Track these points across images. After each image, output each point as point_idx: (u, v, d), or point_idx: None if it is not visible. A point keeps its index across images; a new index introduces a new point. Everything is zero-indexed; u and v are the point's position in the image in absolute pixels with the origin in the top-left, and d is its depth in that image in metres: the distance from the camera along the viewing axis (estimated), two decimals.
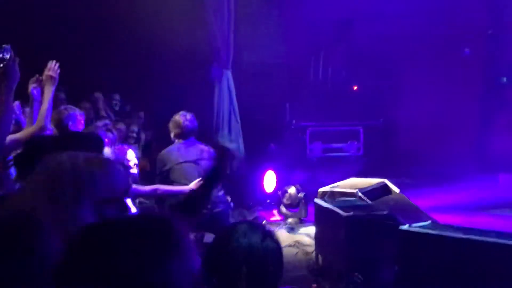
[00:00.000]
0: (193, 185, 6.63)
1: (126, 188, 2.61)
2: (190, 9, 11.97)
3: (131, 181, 6.17)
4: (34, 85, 5.67)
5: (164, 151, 7.12)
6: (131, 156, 6.64)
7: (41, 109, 5.46)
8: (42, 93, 5.61)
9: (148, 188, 6.67)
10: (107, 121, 7.35)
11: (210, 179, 3.75)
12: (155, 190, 6.60)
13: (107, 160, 2.59)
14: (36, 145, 4.12)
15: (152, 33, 11.73)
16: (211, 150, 6.91)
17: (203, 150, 7.00)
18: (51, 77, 5.54)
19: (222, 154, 3.75)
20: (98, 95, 10.49)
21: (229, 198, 7.75)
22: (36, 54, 5.90)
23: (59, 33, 11.34)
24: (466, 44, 13.21)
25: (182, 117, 7.00)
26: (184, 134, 6.98)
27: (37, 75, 5.66)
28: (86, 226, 1.45)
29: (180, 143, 7.03)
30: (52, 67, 5.56)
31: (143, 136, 10.79)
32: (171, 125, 7.08)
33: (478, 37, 13.11)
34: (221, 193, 7.28)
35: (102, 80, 11.03)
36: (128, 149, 7.10)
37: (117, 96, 11.12)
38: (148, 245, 1.36)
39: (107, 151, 6.58)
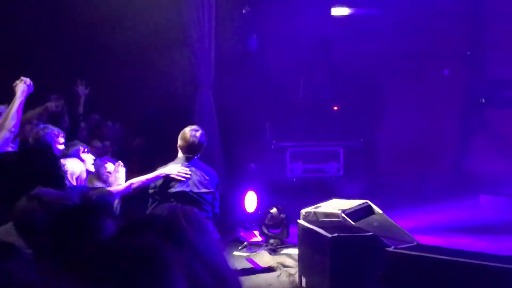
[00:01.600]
0: (169, 168, 6.46)
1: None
2: (171, 29, 11.96)
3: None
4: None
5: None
6: (110, 168, 6.60)
7: (8, 113, 5.38)
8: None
9: (122, 187, 6.52)
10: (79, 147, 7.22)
11: None
12: (130, 185, 6.45)
13: None
14: (7, 165, 4.06)
15: (133, 53, 11.71)
16: (214, 174, 6.75)
17: (204, 175, 6.67)
18: (26, 85, 5.51)
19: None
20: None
21: None
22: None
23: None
24: (446, 64, 13.32)
25: (191, 131, 6.65)
26: (188, 149, 6.63)
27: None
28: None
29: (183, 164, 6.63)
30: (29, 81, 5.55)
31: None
32: (179, 136, 6.72)
33: (458, 57, 13.21)
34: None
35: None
36: (107, 162, 7.05)
37: (95, 116, 11.01)
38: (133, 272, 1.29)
39: (88, 166, 6.55)
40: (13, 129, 5.38)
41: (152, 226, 1.90)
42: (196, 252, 1.88)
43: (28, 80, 5.59)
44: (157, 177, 6.46)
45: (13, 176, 3.89)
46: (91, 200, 4.57)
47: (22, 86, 5.51)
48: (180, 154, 6.62)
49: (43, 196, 2.94)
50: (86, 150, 6.75)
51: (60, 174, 4.15)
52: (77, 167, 6.14)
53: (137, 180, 6.51)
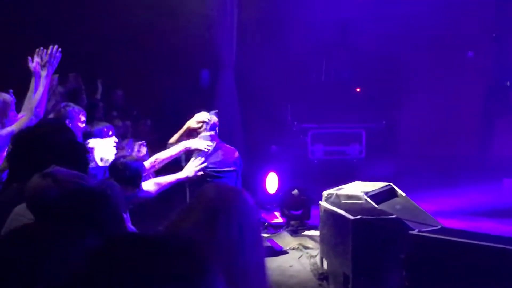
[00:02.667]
0: (190, 141, 6.48)
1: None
2: (192, 9, 11.90)
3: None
4: (38, 60, 5.42)
5: None
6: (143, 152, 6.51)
7: (35, 97, 5.28)
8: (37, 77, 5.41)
9: (148, 164, 6.43)
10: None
11: None
12: (155, 161, 6.40)
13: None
14: (24, 140, 3.99)
15: (154, 35, 11.68)
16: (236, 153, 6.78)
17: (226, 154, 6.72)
18: (49, 62, 5.35)
19: None
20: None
21: None
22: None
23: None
24: (470, 46, 13.15)
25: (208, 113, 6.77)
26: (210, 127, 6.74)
27: (41, 49, 5.43)
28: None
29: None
30: (52, 52, 5.37)
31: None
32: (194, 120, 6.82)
33: (482, 39, 13.04)
34: None
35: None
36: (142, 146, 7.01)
37: (119, 92, 11.00)
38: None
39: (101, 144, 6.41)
40: (40, 115, 5.31)
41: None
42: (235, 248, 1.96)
43: (55, 51, 5.41)
44: (182, 151, 6.45)
45: (31, 153, 3.81)
46: (108, 186, 4.55)
47: (48, 67, 5.38)
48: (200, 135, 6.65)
49: (58, 174, 2.84)
50: (111, 132, 6.68)
51: (81, 153, 4.04)
52: (102, 147, 6.07)
53: (162, 155, 6.44)
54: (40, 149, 3.75)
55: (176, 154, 6.45)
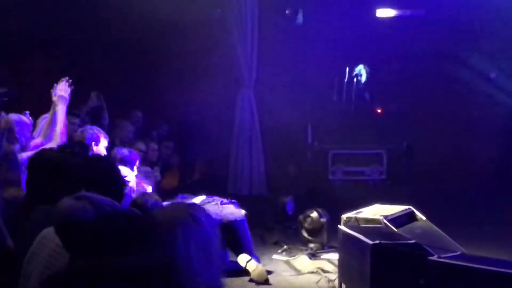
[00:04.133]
0: None
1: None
2: (213, 28, 11.97)
3: None
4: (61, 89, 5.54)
5: None
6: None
7: (56, 129, 5.39)
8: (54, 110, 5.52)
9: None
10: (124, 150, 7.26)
11: None
12: None
13: None
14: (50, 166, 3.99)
15: (175, 53, 11.74)
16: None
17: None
18: (62, 97, 5.46)
19: None
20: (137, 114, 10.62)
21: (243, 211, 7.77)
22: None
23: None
24: (492, 67, 13.06)
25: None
26: None
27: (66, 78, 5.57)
28: None
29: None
30: (63, 87, 5.48)
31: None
32: None
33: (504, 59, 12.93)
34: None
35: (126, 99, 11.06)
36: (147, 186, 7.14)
37: (139, 113, 11.02)
38: None
39: (131, 174, 6.45)
40: (64, 141, 5.44)
41: None
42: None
43: (66, 84, 5.53)
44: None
45: (59, 178, 3.79)
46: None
47: (62, 100, 5.47)
48: None
49: (92, 197, 2.77)
50: (138, 162, 6.76)
51: (119, 186, 3.98)
52: (129, 174, 6.07)
53: None
54: (70, 174, 3.73)
55: None
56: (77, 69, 8.53)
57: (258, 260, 7.72)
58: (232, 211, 7.63)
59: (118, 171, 4.09)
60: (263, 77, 12.37)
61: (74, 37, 11.27)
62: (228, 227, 7.32)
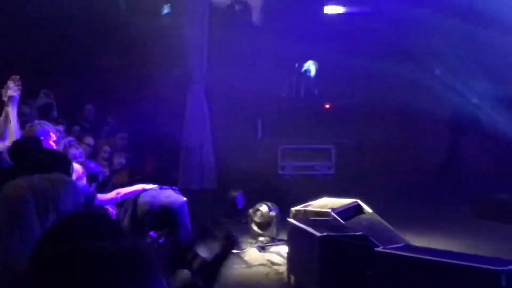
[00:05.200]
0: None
1: (85, 202, 2.76)
2: (164, 25, 11.98)
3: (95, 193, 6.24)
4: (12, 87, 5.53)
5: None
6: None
7: (10, 127, 5.39)
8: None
9: (109, 196, 6.73)
10: (70, 138, 7.29)
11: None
12: (117, 194, 6.67)
13: (60, 178, 2.74)
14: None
15: (124, 50, 11.73)
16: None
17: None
18: (12, 97, 5.46)
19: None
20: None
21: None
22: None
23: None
24: (438, 63, 13.34)
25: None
26: None
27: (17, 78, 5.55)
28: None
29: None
30: (12, 86, 5.48)
31: (117, 160, 10.65)
32: None
33: (449, 57, 13.22)
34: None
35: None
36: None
37: (90, 106, 10.97)
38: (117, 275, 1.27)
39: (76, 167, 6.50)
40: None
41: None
42: None
43: (16, 84, 5.52)
44: (141, 190, 6.75)
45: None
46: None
47: (12, 101, 5.47)
48: None
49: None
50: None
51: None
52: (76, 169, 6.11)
53: (124, 191, 6.75)
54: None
55: (135, 192, 6.77)
56: (25, 66, 8.47)
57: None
58: (171, 194, 7.68)
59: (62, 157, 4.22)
60: (213, 72, 12.41)
61: (22, 33, 11.17)
62: (166, 210, 7.33)
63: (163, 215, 6.89)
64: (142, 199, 6.82)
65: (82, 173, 6.18)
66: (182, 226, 7.53)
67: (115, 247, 1.28)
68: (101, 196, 6.51)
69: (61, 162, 4.10)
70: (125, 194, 6.75)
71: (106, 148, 10.11)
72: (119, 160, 10.02)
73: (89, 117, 10.67)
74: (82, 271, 1.23)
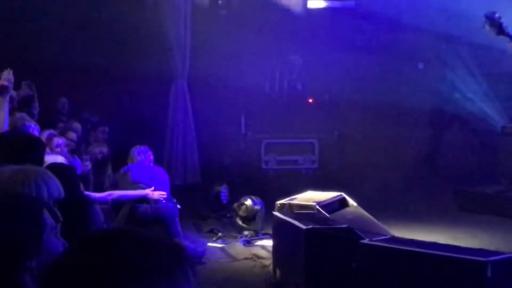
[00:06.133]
0: (148, 190, 6.84)
1: (58, 195, 2.71)
2: (147, 21, 11.92)
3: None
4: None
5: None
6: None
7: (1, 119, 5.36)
8: None
9: (101, 194, 6.73)
10: (51, 131, 7.28)
11: None
12: (109, 195, 6.67)
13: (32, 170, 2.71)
14: None
15: (108, 45, 11.69)
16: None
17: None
18: (4, 86, 5.41)
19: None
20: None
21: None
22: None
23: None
24: (421, 58, 13.40)
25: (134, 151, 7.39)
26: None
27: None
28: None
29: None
30: (6, 77, 5.44)
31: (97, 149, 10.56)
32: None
33: (433, 52, 13.28)
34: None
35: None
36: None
37: (63, 99, 10.89)
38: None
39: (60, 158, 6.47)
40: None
41: None
42: None
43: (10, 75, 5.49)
44: (140, 196, 6.73)
45: None
46: None
47: (4, 91, 5.43)
48: None
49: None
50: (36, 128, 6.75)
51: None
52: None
53: (118, 194, 6.73)
54: None
55: (132, 196, 6.76)
56: (6, 58, 8.41)
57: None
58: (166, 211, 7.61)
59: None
60: (196, 67, 12.39)
61: (2, 26, 11.10)
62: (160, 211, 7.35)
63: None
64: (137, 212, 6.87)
65: None
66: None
67: (160, 236, 1.28)
68: (90, 193, 6.48)
69: (34, 147, 4.15)
70: (120, 196, 6.75)
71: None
72: (100, 149, 9.91)
73: (63, 109, 10.58)
74: (128, 253, 1.23)
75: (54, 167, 4.29)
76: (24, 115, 6.60)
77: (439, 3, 12.87)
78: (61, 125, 9.89)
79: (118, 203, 7.16)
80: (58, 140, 7.22)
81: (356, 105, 13.15)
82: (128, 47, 11.91)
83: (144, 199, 7.07)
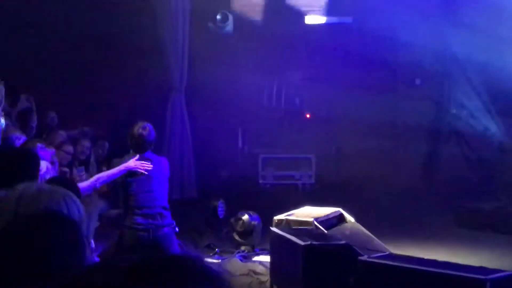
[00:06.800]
0: (131, 162, 6.60)
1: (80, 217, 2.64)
2: (144, 33, 11.91)
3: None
4: None
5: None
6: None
7: None
8: None
9: (89, 182, 6.55)
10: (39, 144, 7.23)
11: None
12: (97, 180, 6.50)
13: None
14: None
15: (106, 57, 11.67)
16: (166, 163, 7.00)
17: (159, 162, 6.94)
18: None
19: None
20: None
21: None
22: None
23: None
24: (418, 74, 13.40)
25: (139, 129, 6.84)
26: (139, 145, 6.78)
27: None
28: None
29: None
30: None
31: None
32: (128, 137, 6.92)
33: (430, 68, 13.29)
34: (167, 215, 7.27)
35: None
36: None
37: (52, 114, 10.85)
38: None
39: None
40: None
41: None
42: None
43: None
44: (123, 171, 6.53)
45: None
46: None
47: None
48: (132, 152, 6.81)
49: None
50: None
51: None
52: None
53: (104, 175, 6.58)
54: None
55: (117, 174, 6.55)
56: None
57: None
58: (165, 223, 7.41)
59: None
60: (194, 81, 12.38)
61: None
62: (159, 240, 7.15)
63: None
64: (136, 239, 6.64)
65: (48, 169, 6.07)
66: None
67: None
68: (80, 185, 6.31)
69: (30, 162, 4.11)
70: (105, 179, 6.61)
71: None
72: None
73: (52, 124, 10.55)
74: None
75: (56, 180, 4.26)
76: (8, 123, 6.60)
77: (435, 19, 12.90)
78: (75, 132, 9.92)
79: (114, 188, 6.99)
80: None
81: (353, 120, 13.14)
82: (126, 60, 11.89)
83: (132, 174, 6.69)
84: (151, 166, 6.65)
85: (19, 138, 6.43)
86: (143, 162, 6.63)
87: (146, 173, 6.58)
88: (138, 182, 6.63)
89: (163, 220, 6.72)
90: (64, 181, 4.65)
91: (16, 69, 10.65)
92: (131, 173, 6.59)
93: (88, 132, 10.94)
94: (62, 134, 9.53)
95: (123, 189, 6.66)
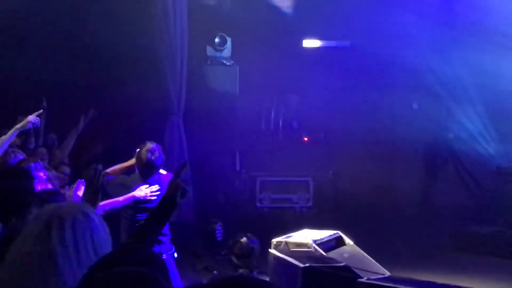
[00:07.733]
0: (139, 191, 6.56)
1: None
2: (143, 56, 11.95)
3: None
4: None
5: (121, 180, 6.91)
6: None
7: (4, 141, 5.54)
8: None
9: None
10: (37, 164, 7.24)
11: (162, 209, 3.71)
12: (102, 208, 6.44)
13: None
14: None
15: (104, 80, 11.69)
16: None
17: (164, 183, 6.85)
18: (31, 122, 5.74)
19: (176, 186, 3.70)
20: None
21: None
22: None
23: None
24: (416, 97, 13.44)
25: (147, 153, 6.82)
26: (147, 172, 6.78)
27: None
28: None
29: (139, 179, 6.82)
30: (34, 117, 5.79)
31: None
32: (136, 160, 6.90)
33: (428, 92, 13.32)
34: (165, 241, 7.21)
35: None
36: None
37: (53, 136, 10.85)
38: None
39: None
40: None
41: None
42: None
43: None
44: (129, 200, 6.50)
45: None
46: None
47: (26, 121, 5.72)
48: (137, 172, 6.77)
49: None
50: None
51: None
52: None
53: (109, 205, 6.52)
54: None
55: (123, 202, 6.54)
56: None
57: None
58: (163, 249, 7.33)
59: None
60: (192, 105, 12.39)
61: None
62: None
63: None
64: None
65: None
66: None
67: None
68: None
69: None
70: (110, 207, 6.56)
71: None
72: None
73: (52, 145, 10.54)
74: None
75: (47, 193, 4.25)
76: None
77: (433, 43, 12.98)
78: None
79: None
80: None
81: (351, 144, 13.16)
82: (124, 84, 11.91)
83: (138, 202, 6.66)
84: (158, 192, 6.63)
85: (17, 156, 6.43)
86: (151, 187, 6.62)
87: (155, 197, 6.58)
88: (139, 209, 6.62)
89: (161, 248, 6.72)
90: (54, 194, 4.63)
91: (13, 89, 10.71)
92: (137, 201, 6.60)
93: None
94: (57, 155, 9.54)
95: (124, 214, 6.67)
